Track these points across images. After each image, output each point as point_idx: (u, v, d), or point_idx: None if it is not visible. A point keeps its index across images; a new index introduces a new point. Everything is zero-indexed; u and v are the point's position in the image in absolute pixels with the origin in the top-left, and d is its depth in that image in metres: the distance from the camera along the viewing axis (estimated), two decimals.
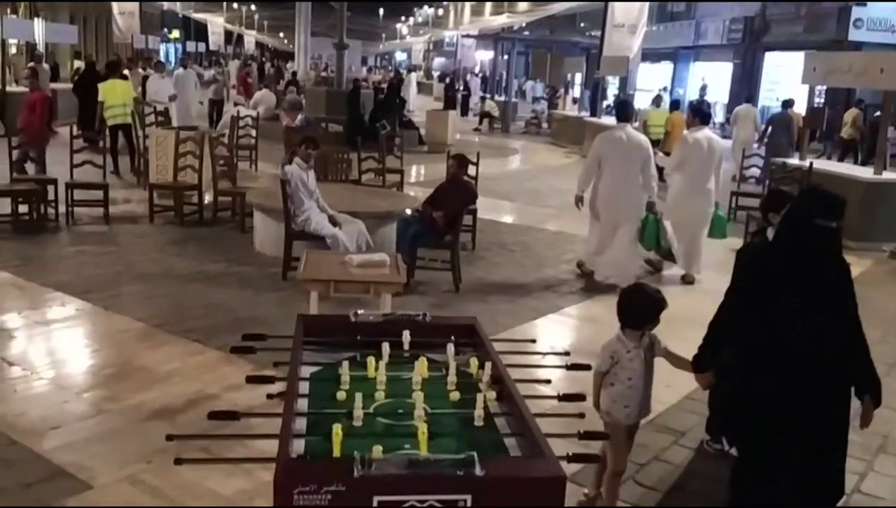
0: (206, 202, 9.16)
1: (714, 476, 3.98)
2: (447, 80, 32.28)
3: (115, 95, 11.55)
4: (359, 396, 2.42)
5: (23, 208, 8.23)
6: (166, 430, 3.95)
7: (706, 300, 4.29)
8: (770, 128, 14.42)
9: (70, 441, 3.89)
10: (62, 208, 8.62)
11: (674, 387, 5.26)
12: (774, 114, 15.09)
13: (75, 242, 7.94)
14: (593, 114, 21.07)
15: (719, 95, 23.79)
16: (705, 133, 7.74)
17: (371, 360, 2.77)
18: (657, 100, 16.00)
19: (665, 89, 24.69)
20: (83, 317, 5.79)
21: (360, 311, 3.10)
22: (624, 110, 8.22)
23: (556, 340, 5.98)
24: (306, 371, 2.74)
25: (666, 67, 32.21)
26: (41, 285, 6.40)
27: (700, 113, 7.95)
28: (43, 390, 4.50)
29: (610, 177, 7.36)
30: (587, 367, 2.96)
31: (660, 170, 8.34)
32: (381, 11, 72.16)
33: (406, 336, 3.00)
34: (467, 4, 50.36)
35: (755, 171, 11.01)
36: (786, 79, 23.15)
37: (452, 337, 3.00)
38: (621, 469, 3.55)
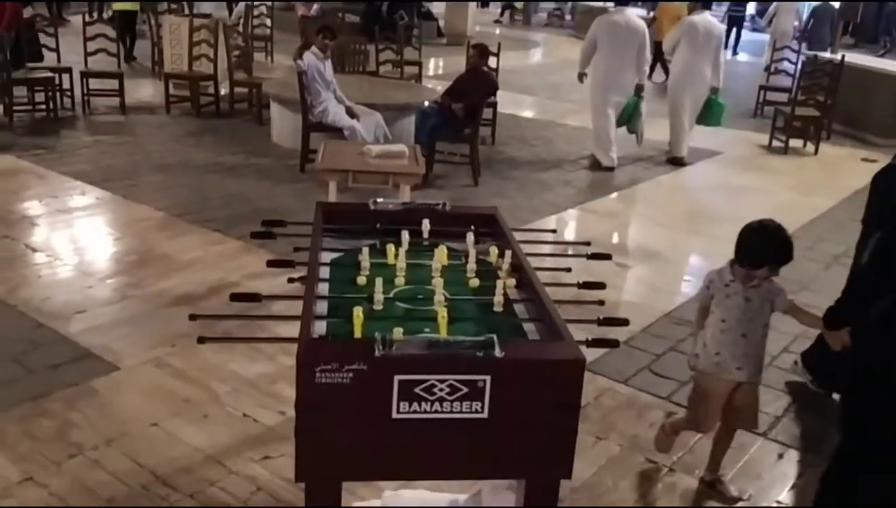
0: (222, 93, 9.03)
1: None
2: None
3: None
4: (379, 281, 2.42)
5: (39, 97, 8.15)
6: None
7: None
8: (812, 21, 13.82)
9: (96, 325, 3.97)
10: (78, 97, 8.55)
11: (696, 277, 5.27)
12: (817, 6, 14.40)
13: (92, 132, 7.90)
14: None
15: None
16: (704, 17, 7.86)
17: (391, 247, 2.76)
18: None
19: None
20: (103, 206, 5.82)
21: (379, 200, 3.07)
22: None
23: (576, 235, 5.97)
24: (326, 257, 2.74)
25: None
26: (60, 174, 6.40)
27: None
28: (67, 276, 4.57)
29: (605, 60, 7.57)
30: (608, 257, 2.94)
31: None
32: None
33: (426, 224, 2.97)
34: None
35: (787, 66, 10.63)
36: None
37: (472, 226, 2.98)
38: (703, 430, 3.09)
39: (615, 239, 5.97)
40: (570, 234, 5.99)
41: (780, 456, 3.34)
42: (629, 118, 7.75)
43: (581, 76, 8.04)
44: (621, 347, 3.96)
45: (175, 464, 2.96)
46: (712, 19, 8.04)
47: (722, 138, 8.56)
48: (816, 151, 8.93)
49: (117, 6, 11.43)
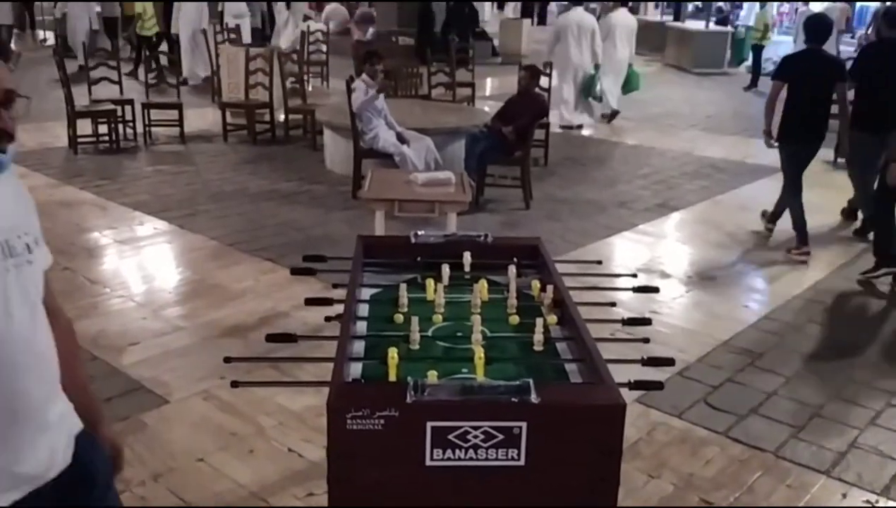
0: (280, 119, 9.19)
1: (798, 400, 3.85)
2: None
3: (148, 8, 13.07)
4: (415, 319, 2.38)
5: (102, 129, 8.43)
6: (240, 347, 4.08)
7: None
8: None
9: (148, 357, 4.03)
10: (140, 128, 8.81)
11: (756, 303, 5.10)
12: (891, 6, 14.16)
13: (153, 162, 8.12)
14: (677, 18, 20.02)
15: None
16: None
17: (430, 282, 2.72)
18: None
19: None
20: (160, 236, 5.95)
21: (420, 232, 3.04)
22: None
23: (627, 259, 5.84)
24: (365, 293, 2.71)
25: None
26: (121, 204, 6.59)
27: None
28: (122, 307, 4.67)
29: (567, 47, 9.87)
30: (655, 290, 2.84)
31: None
32: None
33: (467, 257, 2.93)
34: None
35: None
36: None
37: (514, 259, 2.92)
38: None
39: (670, 261, 5.81)
40: (622, 258, 5.86)
41: (844, 496, 3.17)
42: (589, 89, 10.05)
43: (547, 65, 8.99)
44: (676, 378, 3.86)
45: (219, 500, 2.96)
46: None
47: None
48: None
49: (150, 31, 13.08)
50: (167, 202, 6.71)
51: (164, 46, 13.70)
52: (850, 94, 5.77)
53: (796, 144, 5.72)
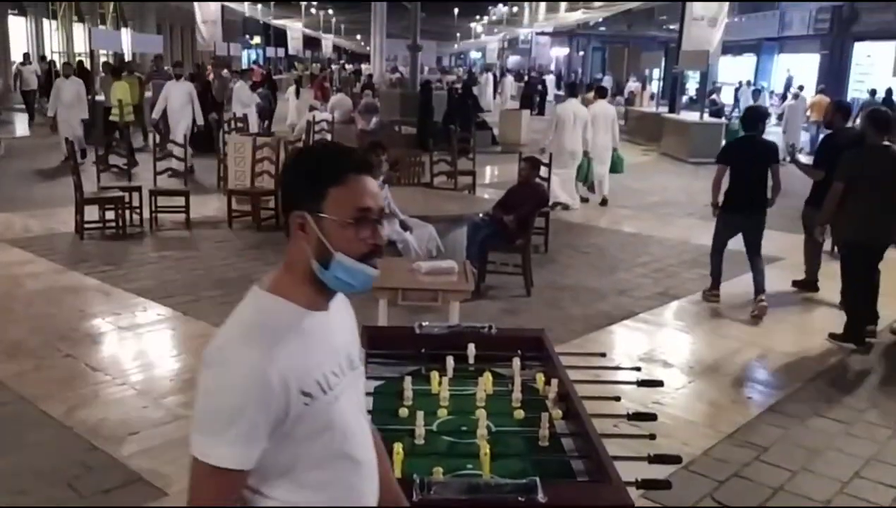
0: None
1: (805, 495, 3.79)
2: (525, 79, 32.00)
3: (128, 95, 13.58)
4: (420, 414, 2.39)
5: (109, 215, 8.56)
6: None
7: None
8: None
9: (148, 447, 3.99)
10: (146, 214, 8.94)
11: (760, 395, 5.07)
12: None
13: (158, 247, 8.21)
14: (672, 109, 20.56)
15: (808, 89, 22.79)
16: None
17: (434, 375, 2.74)
18: (755, 95, 15.95)
19: (749, 83, 23.90)
20: (163, 323, 5.97)
21: (424, 323, 3.07)
22: (571, 90, 12.46)
23: (629, 348, 5.84)
24: (370, 385, 2.72)
25: (749, 60, 31.13)
26: (125, 290, 6.63)
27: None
28: (123, 395, 4.65)
29: (563, 134, 10.71)
30: (659, 384, 2.84)
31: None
32: (456, 11, 72.39)
33: (471, 349, 2.95)
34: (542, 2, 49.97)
35: None
36: (877, 69, 22.04)
37: (519, 351, 2.94)
38: None
39: (672, 351, 5.80)
40: (623, 347, 5.86)
41: None
42: (586, 175, 10.96)
43: (542, 150, 10.29)
44: (681, 472, 3.80)
45: None
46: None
47: (784, 243, 8.39)
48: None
49: (127, 118, 13.56)
50: (171, 288, 6.75)
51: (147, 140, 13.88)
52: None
53: (733, 214, 6.68)
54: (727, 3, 19.36)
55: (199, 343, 5.52)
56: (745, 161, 6.55)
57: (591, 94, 14.51)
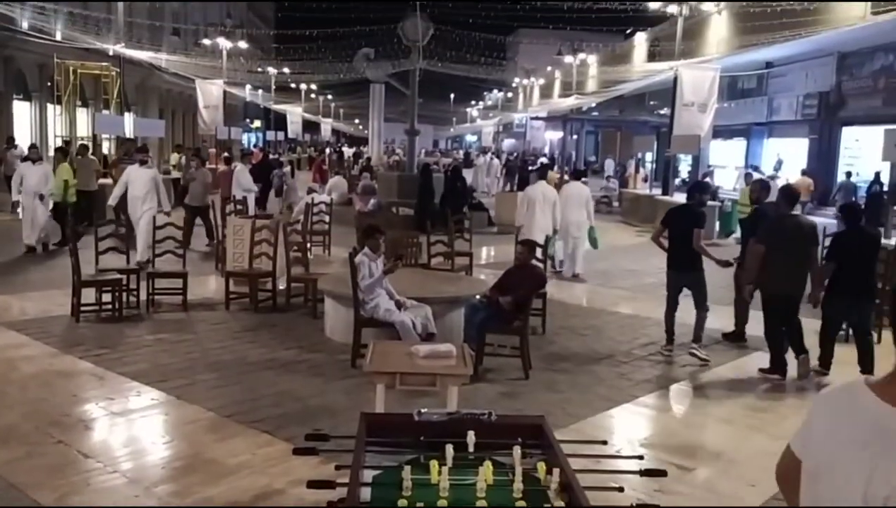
0: (279, 288, 9.34)
1: None
2: (520, 162, 32.55)
3: (72, 176, 13.72)
4: (420, 506, 2.34)
5: (106, 297, 8.55)
6: None
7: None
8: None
9: None
10: (143, 296, 8.92)
11: (764, 482, 4.97)
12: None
13: (154, 330, 8.17)
14: (665, 192, 20.86)
15: (796, 171, 23.22)
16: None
17: (434, 464, 2.69)
18: (747, 178, 16.24)
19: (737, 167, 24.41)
20: (157, 408, 5.89)
21: (423, 410, 3.04)
22: (542, 171, 14.28)
23: (630, 433, 5.76)
24: (368, 474, 2.68)
25: (739, 144, 31.78)
26: (119, 374, 6.56)
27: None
28: (115, 483, 4.54)
29: (533, 213, 11.46)
30: (662, 473, 2.80)
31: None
32: (452, 96, 74.31)
33: (471, 436, 2.91)
34: (536, 86, 51.42)
35: None
36: (866, 153, 22.50)
37: (519, 438, 2.90)
38: None
39: (674, 437, 5.72)
40: (624, 433, 5.78)
41: None
42: (552, 251, 11.28)
43: (519, 227, 11.29)
44: None
45: None
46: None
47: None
48: (879, 339, 8.60)
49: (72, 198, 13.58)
50: (166, 371, 6.69)
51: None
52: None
53: (671, 271, 7.90)
54: (716, 90, 19.92)
55: (192, 428, 5.45)
56: (674, 225, 7.89)
57: (556, 175, 16.13)
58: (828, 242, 7.68)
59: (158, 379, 6.43)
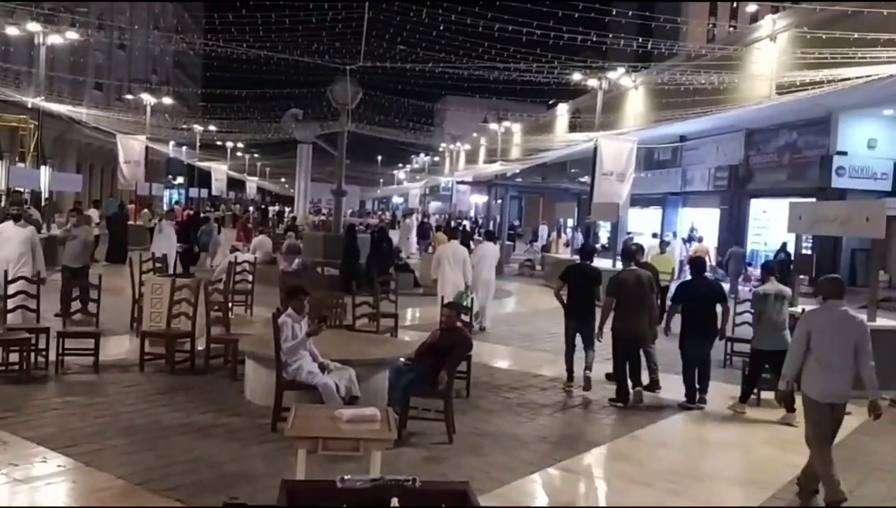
0: (198, 349, 9.09)
1: None
2: (451, 224, 32.87)
3: None
4: None
5: (13, 356, 8.14)
6: None
7: None
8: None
9: None
10: (52, 356, 8.53)
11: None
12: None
13: (63, 392, 7.78)
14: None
15: (709, 239, 24.22)
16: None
17: None
18: (663, 246, 16.60)
19: (654, 235, 25.25)
20: (63, 475, 5.59)
21: (346, 476, 3.00)
22: (452, 234, 16.05)
23: (554, 498, 5.78)
24: None
25: (655, 212, 33.00)
26: (24, 439, 6.21)
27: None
28: None
29: (443, 270, 12.39)
30: None
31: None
32: (380, 159, 75.07)
33: (395, 504, 2.89)
34: (462, 152, 52.54)
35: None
36: (773, 223, 23.66)
37: (443, 505, 2.90)
38: None
39: (599, 502, 5.77)
40: (548, 498, 5.80)
41: None
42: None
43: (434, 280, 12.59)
44: None
45: None
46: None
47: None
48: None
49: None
50: (74, 436, 6.37)
51: None
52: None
53: (569, 320, 9.45)
54: (634, 161, 20.76)
55: (100, 497, 5.20)
56: (575, 280, 9.53)
57: (443, 235, 18.71)
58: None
59: (66, 445, 6.12)
